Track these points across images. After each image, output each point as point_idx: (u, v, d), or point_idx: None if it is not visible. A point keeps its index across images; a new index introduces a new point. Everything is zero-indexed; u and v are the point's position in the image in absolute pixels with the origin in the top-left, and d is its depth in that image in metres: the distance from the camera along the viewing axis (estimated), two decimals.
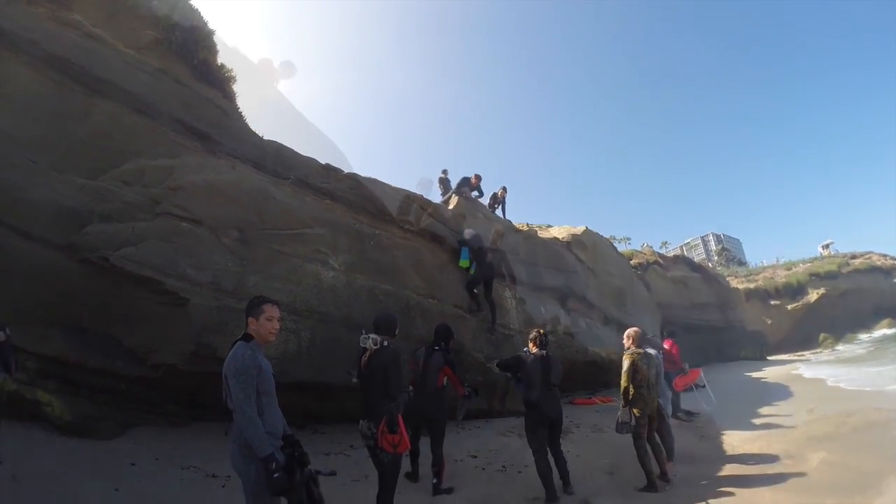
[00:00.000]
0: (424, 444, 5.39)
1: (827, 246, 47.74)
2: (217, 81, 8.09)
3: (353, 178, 8.50)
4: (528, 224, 17.13)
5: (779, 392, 12.87)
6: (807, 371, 17.88)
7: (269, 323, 2.99)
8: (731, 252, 63.21)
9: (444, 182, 14.35)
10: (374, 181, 9.14)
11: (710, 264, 46.36)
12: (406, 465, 5.13)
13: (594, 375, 11.86)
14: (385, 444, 3.81)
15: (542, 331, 5.69)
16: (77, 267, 5.44)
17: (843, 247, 47.37)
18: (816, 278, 35.86)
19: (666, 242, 48.43)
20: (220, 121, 7.60)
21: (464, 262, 8.86)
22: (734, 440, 7.64)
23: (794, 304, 34.10)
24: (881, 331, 32.53)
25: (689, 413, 9.28)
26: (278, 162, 7.76)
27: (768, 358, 26.06)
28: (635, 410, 5.57)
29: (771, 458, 6.30)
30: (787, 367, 20.45)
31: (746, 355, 25.62)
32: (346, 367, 4.94)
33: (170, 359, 5.44)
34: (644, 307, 20.53)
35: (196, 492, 4.44)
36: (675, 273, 27.38)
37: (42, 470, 4.17)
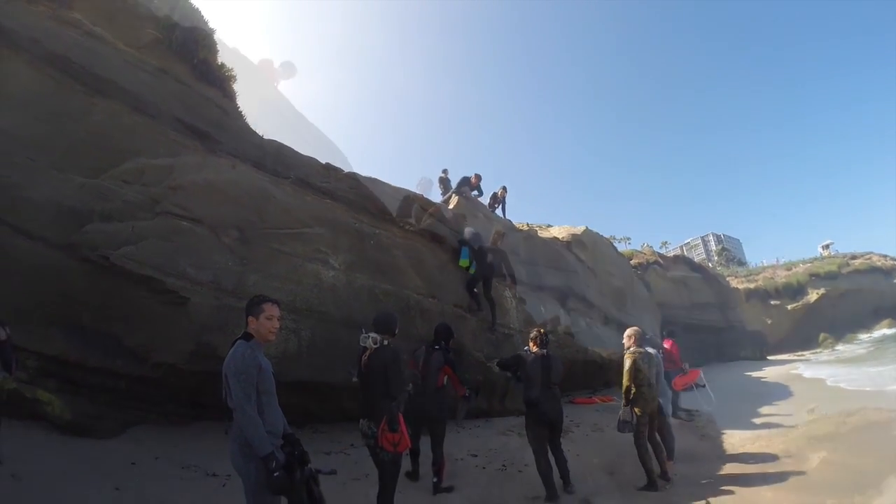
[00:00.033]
0: (425, 443, 5.39)
1: (827, 246, 47.74)
2: (217, 81, 8.10)
3: (353, 177, 8.51)
4: (528, 224, 17.15)
5: (779, 392, 12.88)
6: (806, 371, 17.89)
7: (269, 322, 2.99)
8: (731, 252, 63.20)
9: (445, 182, 14.37)
10: (375, 181, 9.15)
11: (710, 264, 46.37)
12: (406, 464, 5.13)
13: (594, 375, 11.86)
14: (385, 443, 3.81)
15: (542, 330, 5.70)
16: (77, 266, 5.44)
17: (844, 247, 47.40)
18: (816, 278, 35.89)
19: (666, 242, 48.38)
20: (220, 120, 7.60)
21: (464, 262, 8.86)
22: (734, 440, 7.65)
23: (794, 305, 34.13)
24: (881, 331, 32.54)
25: (688, 412, 9.30)
26: (278, 161, 7.77)
27: (768, 358, 26.07)
28: (636, 409, 5.57)
29: (771, 458, 6.30)
30: (787, 366, 20.46)
31: (746, 355, 25.64)
32: (347, 367, 4.94)
33: (170, 358, 5.44)
34: (644, 307, 20.55)
35: (196, 491, 4.43)
36: (676, 273, 27.41)
37: (42, 469, 4.17)
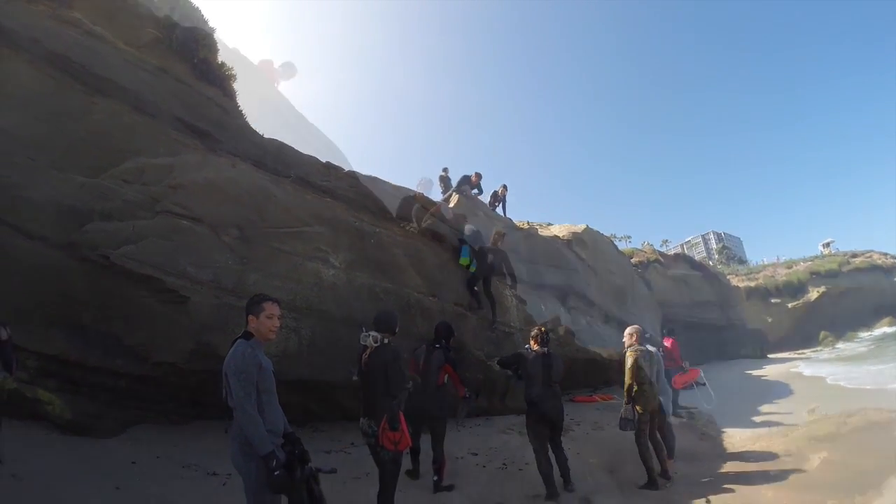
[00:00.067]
0: (425, 442, 5.39)
1: (828, 244, 47.72)
2: (217, 80, 8.09)
3: (353, 176, 8.50)
4: (528, 222, 17.14)
5: (779, 390, 12.88)
6: (807, 369, 17.89)
7: (269, 321, 2.99)
8: (731, 250, 63.07)
9: (445, 180, 14.38)
10: (375, 179, 9.15)
11: (710, 262, 46.34)
12: (407, 462, 5.13)
13: (595, 373, 11.86)
14: (386, 442, 3.81)
15: (543, 328, 5.70)
16: (77, 265, 5.44)
17: (844, 245, 47.41)
18: (817, 277, 35.88)
19: (666, 241, 48.25)
20: (220, 119, 7.60)
21: (464, 260, 8.85)
22: (735, 439, 7.66)
23: (795, 303, 34.12)
24: (882, 329, 32.50)
25: (688, 410, 9.31)
26: (278, 160, 7.76)
27: (769, 356, 26.06)
28: (638, 407, 5.57)
29: (772, 457, 6.31)
30: (787, 365, 20.46)
31: (747, 353, 25.62)
32: (347, 366, 4.94)
33: (170, 357, 5.44)
34: (645, 305, 20.54)
35: (197, 490, 4.44)
36: (676, 271, 27.41)
37: (42, 469, 4.17)
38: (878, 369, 14.61)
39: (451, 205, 11.97)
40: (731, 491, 5.18)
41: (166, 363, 5.45)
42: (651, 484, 5.40)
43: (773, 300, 34.20)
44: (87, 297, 5.45)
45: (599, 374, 12.01)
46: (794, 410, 9.44)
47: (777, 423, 8.36)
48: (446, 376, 5.43)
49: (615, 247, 21.96)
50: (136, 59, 6.98)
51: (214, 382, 3.10)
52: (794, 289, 35.03)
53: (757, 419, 9.06)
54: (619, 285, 18.55)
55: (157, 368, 5.49)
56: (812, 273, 36.34)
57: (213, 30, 8.69)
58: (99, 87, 6.44)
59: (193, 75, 7.66)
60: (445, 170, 14.59)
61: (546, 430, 5.26)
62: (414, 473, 5.41)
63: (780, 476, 5.48)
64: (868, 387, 11.36)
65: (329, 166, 8.40)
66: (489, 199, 14.68)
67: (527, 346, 5.58)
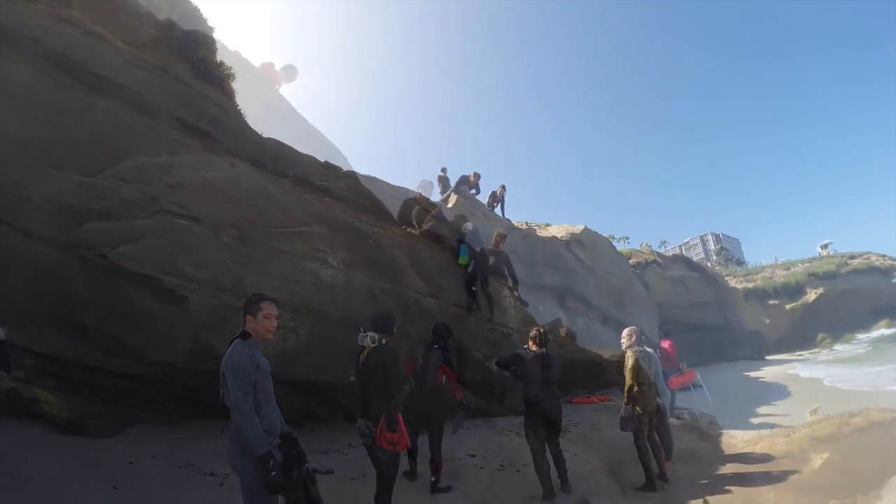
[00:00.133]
0: (423, 443, 5.39)
1: (826, 246, 47.77)
2: (216, 79, 8.08)
3: (352, 175, 8.51)
4: (526, 222, 17.18)
5: (777, 392, 12.92)
6: (804, 371, 17.94)
7: (266, 321, 2.99)
8: (729, 252, 63.18)
9: (444, 180, 14.41)
10: (374, 179, 9.15)
11: (708, 264, 46.42)
12: (404, 463, 5.13)
13: (592, 374, 11.85)
14: (384, 443, 3.81)
15: (542, 329, 5.72)
16: (76, 265, 5.42)
17: (842, 247, 47.34)
18: (815, 278, 35.98)
19: (665, 242, 48.14)
20: (219, 118, 7.58)
21: (463, 260, 8.85)
22: (734, 440, 7.66)
23: (793, 304, 34.20)
24: (879, 331, 32.60)
25: (689, 411, 9.32)
26: (277, 160, 7.76)
27: (766, 358, 26.11)
28: (637, 408, 5.58)
29: (773, 458, 6.31)
30: (785, 367, 20.51)
31: (745, 355, 25.71)
32: (345, 366, 4.94)
33: (168, 357, 5.43)
34: (643, 306, 20.58)
35: (194, 490, 4.43)
36: (674, 272, 27.48)
37: (39, 468, 4.16)
38: (876, 371, 14.65)
39: (450, 205, 11.99)
40: (732, 492, 5.18)
41: (164, 363, 5.45)
42: (649, 486, 5.41)
43: (770, 302, 34.28)
44: (85, 296, 5.43)
45: (598, 375, 12.01)
46: (791, 413, 9.47)
47: (777, 425, 8.37)
48: (444, 377, 5.43)
49: (613, 247, 22.02)
50: (136, 58, 6.97)
51: (212, 382, 3.10)
52: (792, 290, 35.12)
53: (756, 421, 9.09)
54: (617, 286, 18.60)
55: (155, 368, 5.48)
56: (810, 274, 36.44)
57: (212, 29, 8.68)
58: (98, 87, 6.43)
59: (193, 74, 7.64)
60: (444, 170, 14.62)
61: (544, 430, 5.27)
62: (411, 474, 5.42)
63: (782, 477, 5.49)
64: (865, 389, 11.39)
65: (328, 166, 8.40)
66: (488, 199, 14.70)
67: (525, 346, 5.59)
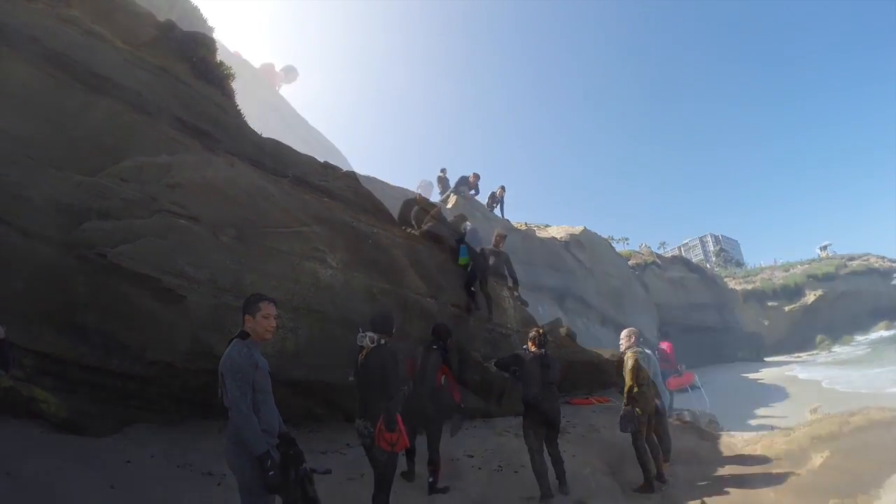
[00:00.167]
0: (421, 443, 5.39)
1: (825, 247, 47.82)
2: (216, 79, 8.08)
3: (352, 175, 8.51)
4: (526, 223, 17.20)
5: (775, 394, 12.95)
6: (802, 373, 17.97)
7: (265, 321, 2.99)
8: (728, 253, 63.25)
9: (443, 181, 14.42)
10: (373, 179, 9.16)
11: (707, 265, 46.46)
12: (402, 463, 5.13)
13: (591, 376, 11.86)
14: (383, 443, 3.82)
15: (541, 330, 5.73)
16: (75, 264, 5.42)
17: (841, 249, 47.50)
18: (814, 280, 36.01)
19: (664, 243, 48.26)
20: (218, 118, 7.59)
21: (463, 260, 8.85)
22: (734, 440, 7.66)
23: (792, 306, 34.23)
24: (878, 333, 32.63)
25: (690, 412, 9.34)
26: (276, 160, 7.76)
27: (765, 359, 26.12)
28: (637, 409, 5.59)
29: (772, 459, 6.30)
30: (783, 368, 20.54)
31: (743, 356, 25.73)
32: (344, 366, 4.94)
33: (166, 356, 5.43)
34: (642, 307, 20.59)
35: (192, 490, 4.44)
36: (673, 274, 27.51)
37: (37, 467, 4.16)
38: (875, 373, 14.67)
39: (449, 206, 12.00)
40: (730, 494, 5.18)
41: (163, 362, 5.44)
42: (647, 487, 5.42)
43: (770, 303, 34.30)
44: (84, 295, 5.43)
45: (596, 376, 12.01)
46: (789, 414, 9.49)
47: (777, 426, 8.38)
48: (443, 378, 5.43)
49: (613, 249, 22.05)
50: (135, 58, 6.97)
51: (211, 382, 3.10)
52: (791, 292, 35.15)
53: (755, 422, 9.11)
54: (616, 287, 18.62)
55: (154, 368, 5.47)
56: (809, 276, 36.48)
57: (212, 29, 8.68)
58: (98, 87, 6.43)
59: (192, 74, 7.65)
60: (443, 170, 14.64)
61: (543, 430, 5.28)
62: (409, 475, 5.42)
63: (782, 477, 5.49)
64: (864, 391, 11.41)
65: (327, 166, 8.40)
66: (487, 199, 14.71)
67: (524, 347, 5.59)
